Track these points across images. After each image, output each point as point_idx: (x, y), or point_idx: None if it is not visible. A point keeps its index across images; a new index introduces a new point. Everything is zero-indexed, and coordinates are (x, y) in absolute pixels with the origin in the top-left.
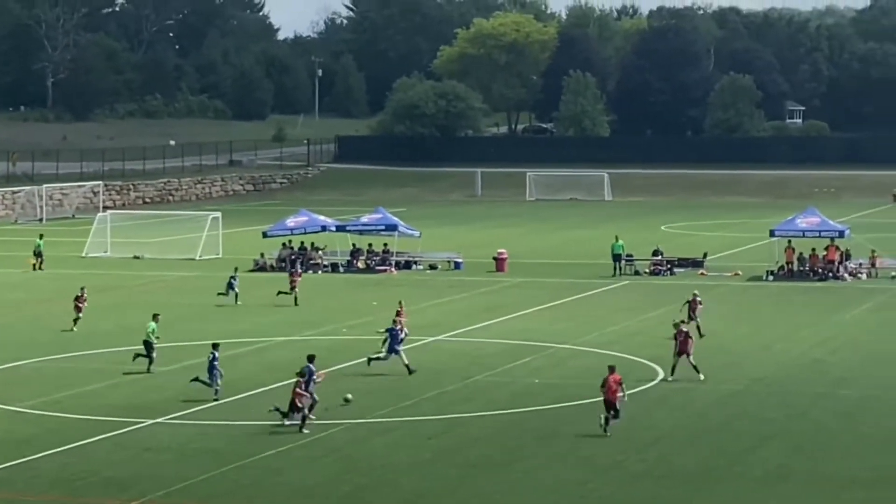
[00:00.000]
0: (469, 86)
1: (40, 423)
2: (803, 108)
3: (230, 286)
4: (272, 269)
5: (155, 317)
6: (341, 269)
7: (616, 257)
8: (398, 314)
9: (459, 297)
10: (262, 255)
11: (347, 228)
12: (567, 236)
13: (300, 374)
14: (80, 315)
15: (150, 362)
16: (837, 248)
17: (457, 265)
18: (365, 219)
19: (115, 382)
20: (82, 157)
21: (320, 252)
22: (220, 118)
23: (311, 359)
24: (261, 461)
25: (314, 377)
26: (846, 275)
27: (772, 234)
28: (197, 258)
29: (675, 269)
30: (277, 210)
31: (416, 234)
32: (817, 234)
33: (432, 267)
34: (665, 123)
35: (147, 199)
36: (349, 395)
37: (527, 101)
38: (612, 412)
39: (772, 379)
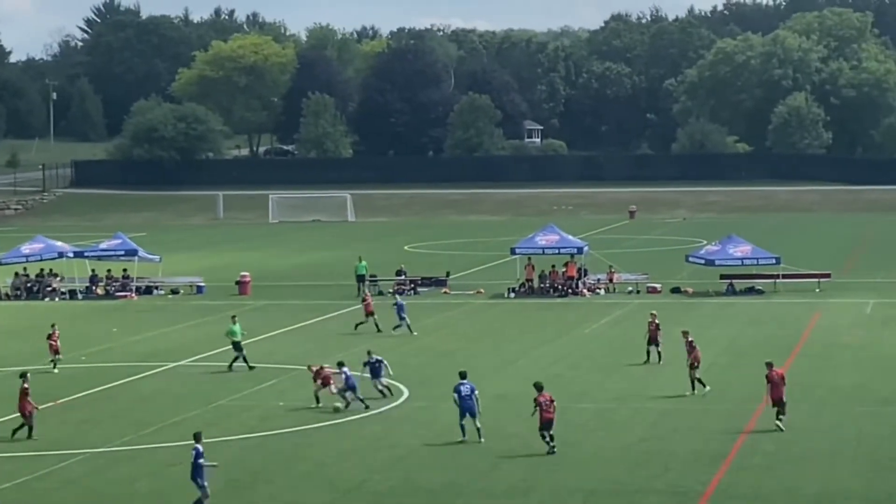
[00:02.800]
0: (209, 108)
1: None
2: (541, 127)
3: (400, 316)
4: (7, 297)
5: (234, 318)
6: (80, 296)
7: (360, 278)
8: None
9: (202, 321)
10: None
11: (86, 254)
12: (310, 258)
13: (538, 387)
14: (59, 355)
15: (245, 360)
16: (576, 264)
17: (199, 289)
18: (104, 244)
19: None
20: None
21: (58, 279)
22: None
23: (463, 375)
24: None
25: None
26: (585, 290)
27: (512, 251)
28: None
29: (419, 289)
30: (12, 237)
31: (157, 258)
32: (557, 251)
33: (174, 292)
34: (406, 144)
35: None
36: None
37: (268, 124)
38: (779, 409)
39: (514, 395)
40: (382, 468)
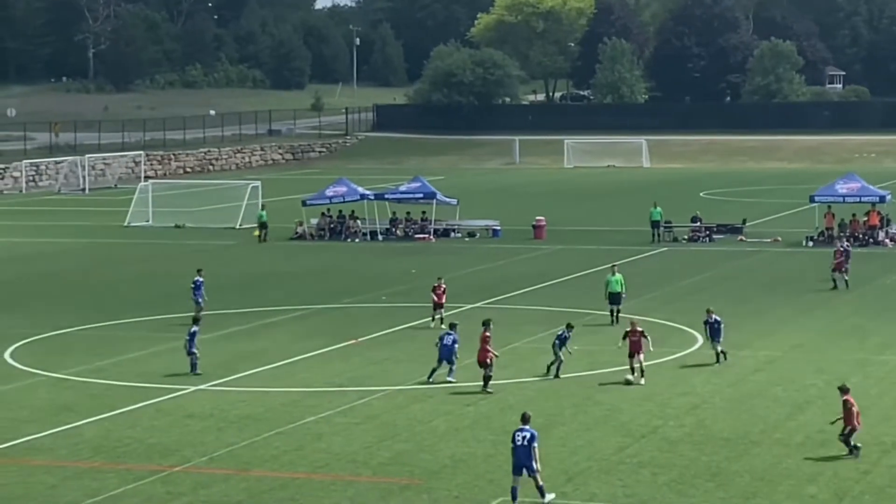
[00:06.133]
0: (506, 53)
1: (83, 389)
2: (844, 73)
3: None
4: (311, 237)
5: (614, 269)
6: (380, 238)
7: (654, 224)
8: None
9: (498, 264)
10: (299, 223)
11: (386, 197)
12: (605, 203)
13: (843, 390)
14: (440, 312)
15: (613, 314)
16: (878, 213)
17: (495, 233)
18: (403, 187)
19: (157, 350)
20: (123, 127)
21: (359, 221)
22: (259, 88)
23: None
24: (301, 427)
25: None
26: (887, 240)
27: (811, 199)
28: (237, 227)
29: (714, 236)
30: (316, 179)
31: (454, 202)
32: (858, 200)
33: (470, 234)
34: (703, 90)
35: (188, 169)
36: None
37: (564, 69)
38: None
39: (810, 345)
40: (676, 415)
